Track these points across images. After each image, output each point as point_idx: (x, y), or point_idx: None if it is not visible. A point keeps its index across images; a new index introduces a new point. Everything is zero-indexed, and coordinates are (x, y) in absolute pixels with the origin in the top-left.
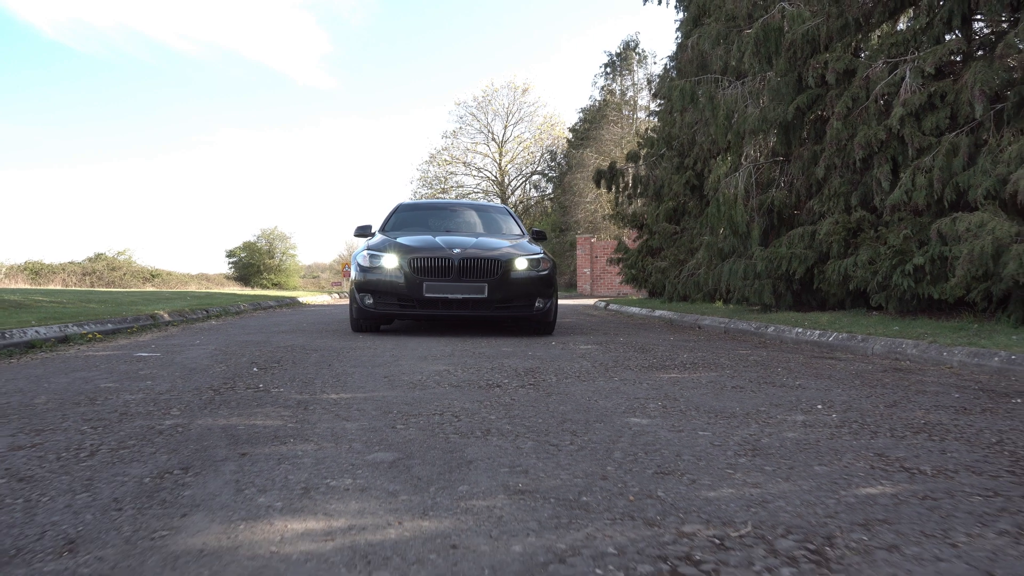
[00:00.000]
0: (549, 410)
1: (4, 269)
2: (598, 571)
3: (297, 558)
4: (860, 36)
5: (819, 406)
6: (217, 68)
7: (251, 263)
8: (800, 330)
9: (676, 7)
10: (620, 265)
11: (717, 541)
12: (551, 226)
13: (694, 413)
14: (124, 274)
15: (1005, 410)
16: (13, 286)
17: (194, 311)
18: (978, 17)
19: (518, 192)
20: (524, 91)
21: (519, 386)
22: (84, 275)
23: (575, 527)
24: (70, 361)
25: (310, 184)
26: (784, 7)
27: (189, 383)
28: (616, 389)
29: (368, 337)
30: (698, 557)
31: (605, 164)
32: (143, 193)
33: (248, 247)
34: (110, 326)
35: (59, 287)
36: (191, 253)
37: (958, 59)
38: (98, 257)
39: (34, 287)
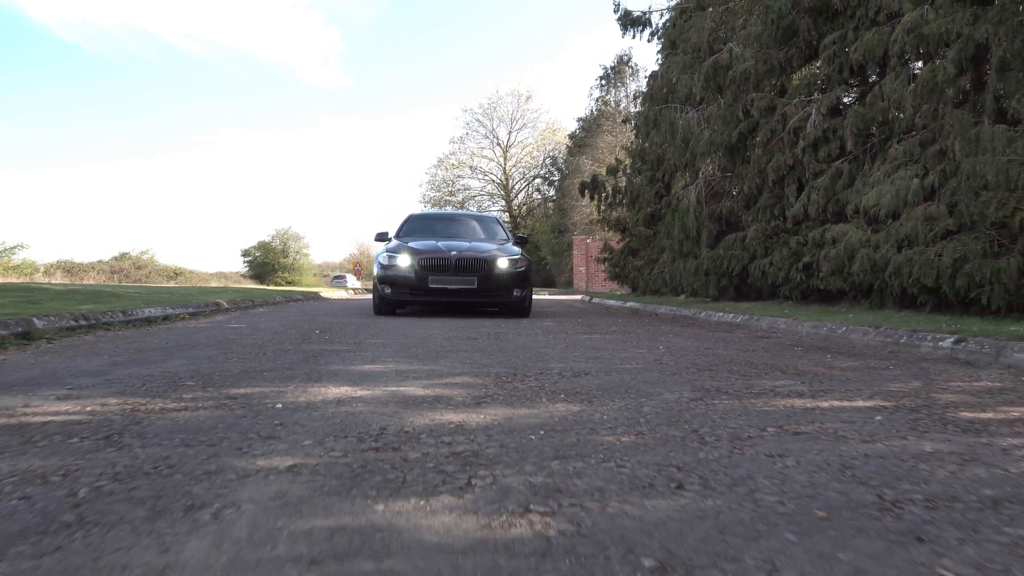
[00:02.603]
0: (499, 347)
1: (43, 268)
2: (503, 385)
3: (377, 372)
4: (784, 77)
5: (661, 348)
6: (222, 67)
7: (266, 262)
8: (722, 314)
9: (650, 38)
10: (606, 264)
11: (541, 373)
12: (551, 228)
13: (581, 348)
14: (149, 272)
15: (786, 351)
16: (54, 281)
17: (243, 301)
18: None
19: (521, 195)
20: (528, 98)
21: (486, 338)
22: (112, 273)
23: (497, 372)
24: (189, 329)
25: (318, 183)
26: (732, 48)
27: (282, 336)
28: (546, 341)
29: (387, 318)
30: (532, 377)
31: (601, 170)
32: (152, 192)
33: (263, 246)
34: (192, 309)
35: (93, 283)
36: (204, 252)
37: (851, 101)
38: (123, 256)
39: (76, 283)
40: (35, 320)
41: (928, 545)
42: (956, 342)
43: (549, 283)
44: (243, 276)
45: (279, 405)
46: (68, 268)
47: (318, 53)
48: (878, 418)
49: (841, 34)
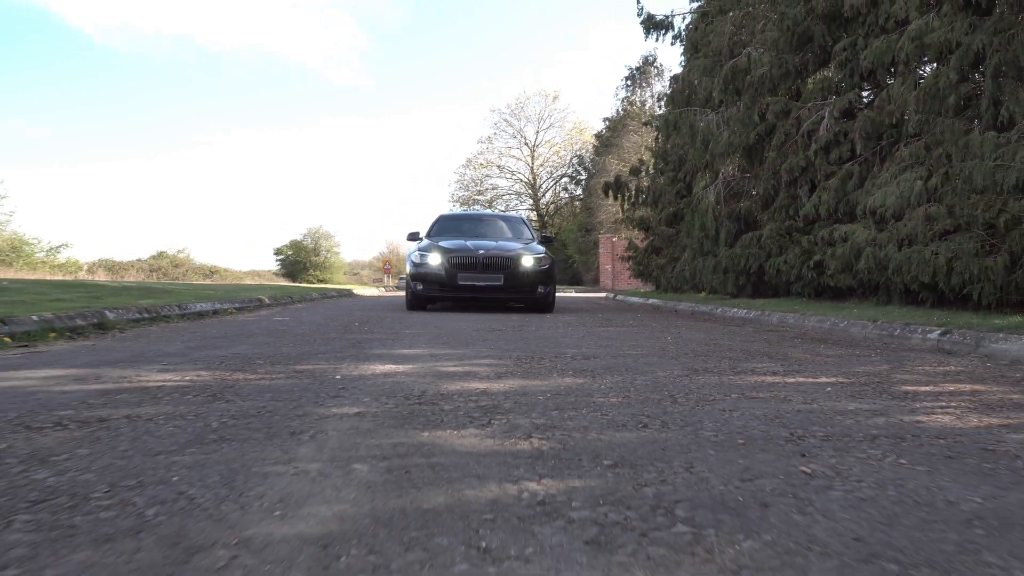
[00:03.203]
0: (521, 337)
1: (86, 266)
2: (522, 365)
3: (414, 354)
4: (800, 81)
5: (668, 338)
6: (248, 67)
7: (298, 260)
8: (736, 310)
9: (673, 42)
10: (630, 262)
11: (555, 356)
12: (578, 226)
13: (595, 338)
14: (186, 270)
15: (785, 342)
16: (97, 279)
17: (283, 297)
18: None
19: (549, 194)
20: (555, 98)
21: (510, 329)
22: (151, 271)
23: (517, 355)
24: (239, 322)
25: (347, 182)
26: (750, 52)
27: (326, 327)
28: (565, 332)
29: (419, 313)
30: (547, 359)
31: (626, 170)
32: (185, 191)
33: (295, 245)
34: (237, 305)
35: (133, 280)
36: (236, 251)
37: (862, 106)
38: (161, 255)
39: (120, 280)
40: (107, 312)
41: (806, 458)
42: (942, 334)
43: (577, 281)
44: (275, 274)
45: (338, 376)
46: (109, 266)
47: (344, 52)
48: (828, 389)
49: (852, 40)
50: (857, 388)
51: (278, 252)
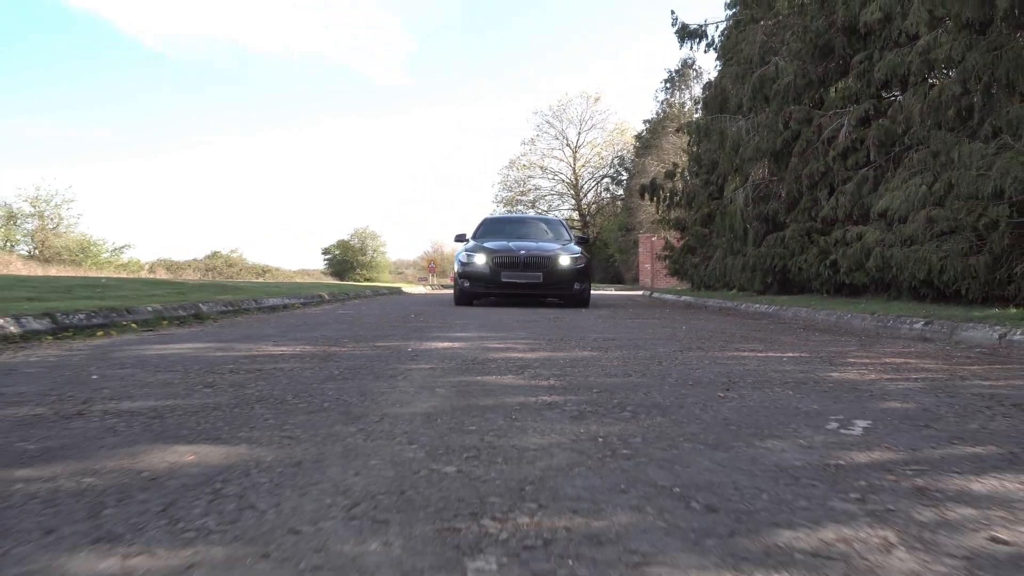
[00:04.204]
0: (555, 326)
1: (147, 266)
2: (551, 344)
3: (465, 336)
4: (823, 90)
5: (684, 327)
6: (303, 70)
7: (345, 260)
8: (758, 306)
9: (706, 50)
10: (667, 261)
11: (580, 339)
12: (618, 226)
13: (619, 328)
14: (239, 270)
15: (786, 331)
16: (158, 277)
17: (340, 294)
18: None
19: (591, 194)
20: (596, 100)
21: (546, 320)
22: (207, 270)
23: (549, 338)
24: (309, 314)
25: (392, 183)
26: (777, 62)
27: (387, 318)
28: (593, 323)
29: (466, 307)
30: (573, 341)
31: (664, 171)
32: (235, 191)
33: (342, 245)
34: (302, 300)
35: (194, 279)
36: (284, 251)
37: (877, 115)
38: (215, 255)
39: (176, 278)
40: (201, 305)
41: (728, 391)
42: (925, 324)
43: (618, 279)
44: (323, 273)
45: (409, 349)
46: (168, 266)
47: (388, 52)
48: (785, 359)
49: (868, 53)
50: (808, 359)
51: (326, 252)
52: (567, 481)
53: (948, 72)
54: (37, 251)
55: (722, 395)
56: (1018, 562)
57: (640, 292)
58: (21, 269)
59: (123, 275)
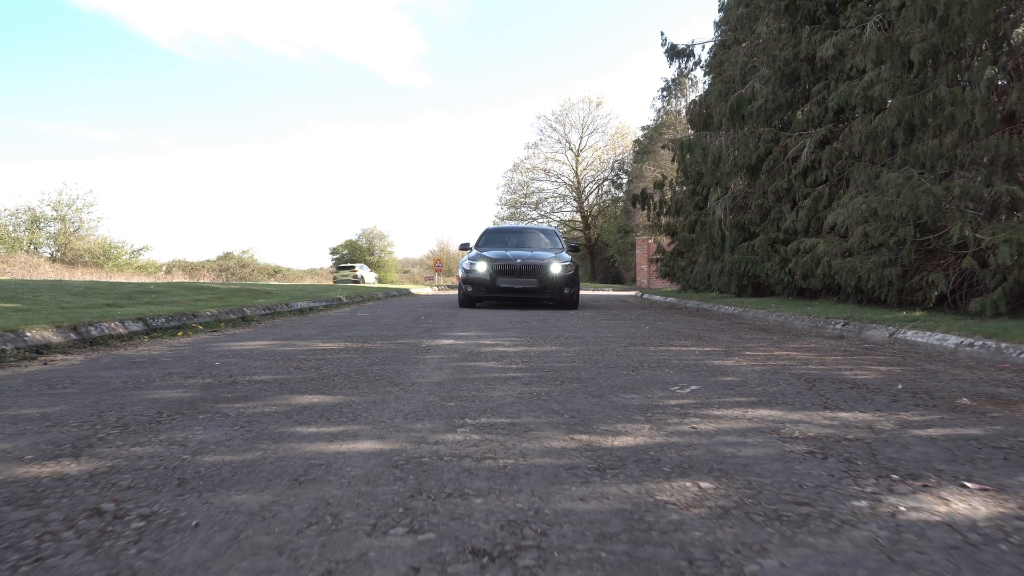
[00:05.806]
0: (540, 326)
1: (164, 267)
2: (530, 341)
3: (466, 335)
4: (790, 112)
5: (647, 327)
6: (314, 70)
7: (352, 259)
8: (728, 308)
9: (694, 68)
10: (658, 263)
11: (556, 337)
12: (617, 228)
13: (593, 327)
14: (252, 270)
15: (731, 329)
16: (176, 279)
17: (355, 296)
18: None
19: (592, 196)
20: (598, 104)
21: (535, 321)
22: (220, 271)
23: (530, 336)
24: (334, 316)
25: (398, 181)
26: (754, 84)
27: (402, 320)
28: (573, 324)
29: (469, 310)
30: (550, 339)
31: (659, 176)
32: (246, 191)
33: (350, 245)
34: (325, 303)
35: (219, 283)
36: (293, 250)
37: (832, 139)
38: (227, 255)
39: (194, 280)
40: (246, 310)
41: (633, 371)
42: (844, 324)
43: (618, 280)
44: (331, 272)
45: (423, 344)
46: (183, 267)
47: (401, 53)
48: (697, 352)
49: (826, 83)
50: (715, 352)
51: (334, 251)
52: (508, 407)
53: (882, 106)
54: (60, 254)
55: (626, 373)
56: (715, 436)
57: (633, 293)
58: (49, 272)
59: (143, 278)
